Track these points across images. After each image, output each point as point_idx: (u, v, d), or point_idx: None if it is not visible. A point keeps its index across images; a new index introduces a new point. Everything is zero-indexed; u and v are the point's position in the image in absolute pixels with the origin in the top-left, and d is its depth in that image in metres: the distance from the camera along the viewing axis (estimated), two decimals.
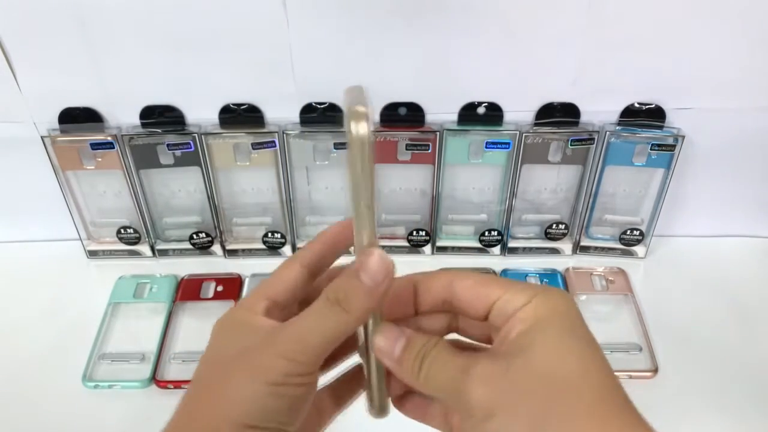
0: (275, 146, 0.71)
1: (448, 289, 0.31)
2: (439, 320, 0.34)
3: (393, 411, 0.34)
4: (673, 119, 0.70)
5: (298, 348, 0.29)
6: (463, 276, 0.32)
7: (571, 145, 0.71)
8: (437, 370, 0.29)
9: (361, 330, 0.32)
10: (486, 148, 0.71)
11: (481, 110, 0.70)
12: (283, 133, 0.71)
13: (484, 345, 0.33)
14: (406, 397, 0.34)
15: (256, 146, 0.71)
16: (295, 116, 0.70)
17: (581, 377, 0.27)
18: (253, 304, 0.31)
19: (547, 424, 0.26)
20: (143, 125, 0.71)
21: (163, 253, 0.80)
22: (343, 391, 0.35)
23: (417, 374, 0.29)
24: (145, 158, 0.72)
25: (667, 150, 0.71)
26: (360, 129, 0.27)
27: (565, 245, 0.80)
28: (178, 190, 0.77)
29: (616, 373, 0.28)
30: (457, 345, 0.31)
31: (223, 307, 0.74)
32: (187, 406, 0.30)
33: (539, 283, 0.76)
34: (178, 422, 0.30)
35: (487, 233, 0.78)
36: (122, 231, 0.78)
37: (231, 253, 0.80)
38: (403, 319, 0.33)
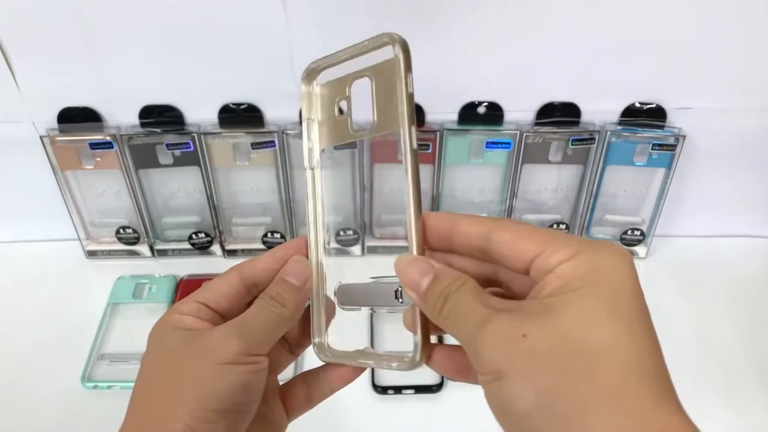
0: (275, 146, 0.71)
1: (485, 239, 0.29)
2: (476, 266, 0.31)
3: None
4: (674, 119, 0.70)
5: (245, 329, 0.31)
6: (503, 227, 0.29)
7: (571, 144, 0.71)
8: (456, 315, 0.27)
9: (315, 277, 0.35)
10: (486, 147, 0.71)
11: (481, 110, 0.70)
12: (283, 133, 0.70)
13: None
14: (434, 351, 0.31)
15: (255, 146, 0.71)
16: (295, 116, 0.70)
17: (606, 351, 0.24)
18: (181, 307, 0.33)
19: (555, 397, 0.23)
20: (142, 125, 0.71)
21: (163, 253, 0.80)
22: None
23: (438, 313, 0.28)
24: (144, 158, 0.72)
25: (667, 150, 0.71)
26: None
27: None
28: (178, 190, 0.77)
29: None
30: (491, 289, 0.29)
31: None
32: (138, 402, 0.31)
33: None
34: (133, 420, 0.30)
35: None
36: (121, 231, 0.78)
37: (230, 253, 0.80)
38: (439, 251, 0.31)
